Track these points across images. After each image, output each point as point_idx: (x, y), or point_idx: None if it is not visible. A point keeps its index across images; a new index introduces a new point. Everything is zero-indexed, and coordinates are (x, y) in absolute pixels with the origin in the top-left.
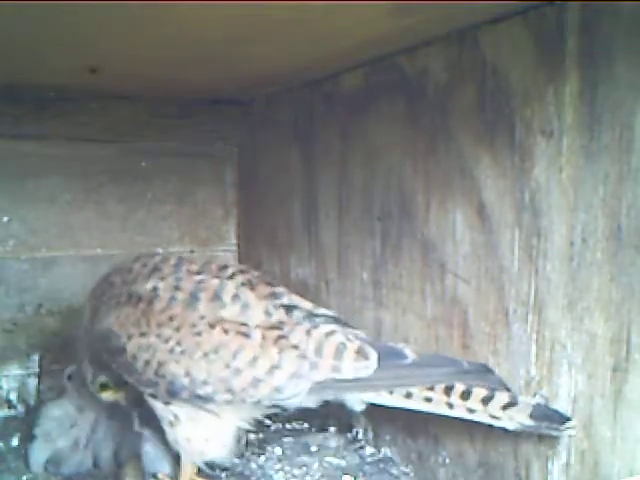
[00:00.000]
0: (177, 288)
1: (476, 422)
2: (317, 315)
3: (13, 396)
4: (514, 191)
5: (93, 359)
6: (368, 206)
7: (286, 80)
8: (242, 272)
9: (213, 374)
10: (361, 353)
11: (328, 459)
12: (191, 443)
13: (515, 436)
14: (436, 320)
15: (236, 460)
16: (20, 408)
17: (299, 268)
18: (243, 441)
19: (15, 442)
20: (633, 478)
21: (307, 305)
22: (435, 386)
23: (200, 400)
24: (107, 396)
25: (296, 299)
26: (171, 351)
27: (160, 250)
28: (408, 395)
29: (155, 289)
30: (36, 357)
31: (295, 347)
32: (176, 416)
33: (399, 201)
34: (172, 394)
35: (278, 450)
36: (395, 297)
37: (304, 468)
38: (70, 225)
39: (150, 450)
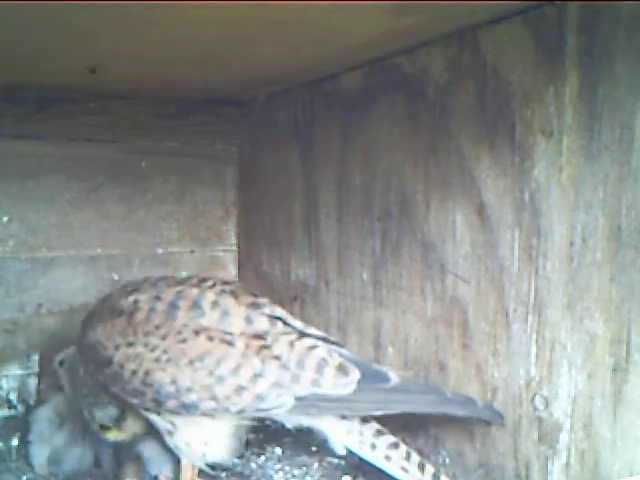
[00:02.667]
0: (157, 299)
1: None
2: (306, 335)
3: (13, 396)
4: (514, 191)
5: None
6: (368, 206)
7: (286, 80)
8: (224, 283)
9: (197, 381)
10: (341, 370)
11: (328, 459)
12: (191, 447)
13: (515, 436)
14: (436, 320)
15: (236, 460)
16: (20, 408)
17: (299, 268)
18: (243, 441)
19: (15, 442)
20: (633, 478)
21: (297, 323)
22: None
23: (185, 409)
24: (112, 436)
25: (281, 312)
26: (157, 360)
27: (160, 250)
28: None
29: (136, 302)
30: (36, 357)
31: (277, 358)
32: (173, 424)
33: (399, 201)
34: (158, 403)
35: (278, 450)
36: (395, 297)
37: (304, 468)
38: (70, 225)
39: (151, 454)
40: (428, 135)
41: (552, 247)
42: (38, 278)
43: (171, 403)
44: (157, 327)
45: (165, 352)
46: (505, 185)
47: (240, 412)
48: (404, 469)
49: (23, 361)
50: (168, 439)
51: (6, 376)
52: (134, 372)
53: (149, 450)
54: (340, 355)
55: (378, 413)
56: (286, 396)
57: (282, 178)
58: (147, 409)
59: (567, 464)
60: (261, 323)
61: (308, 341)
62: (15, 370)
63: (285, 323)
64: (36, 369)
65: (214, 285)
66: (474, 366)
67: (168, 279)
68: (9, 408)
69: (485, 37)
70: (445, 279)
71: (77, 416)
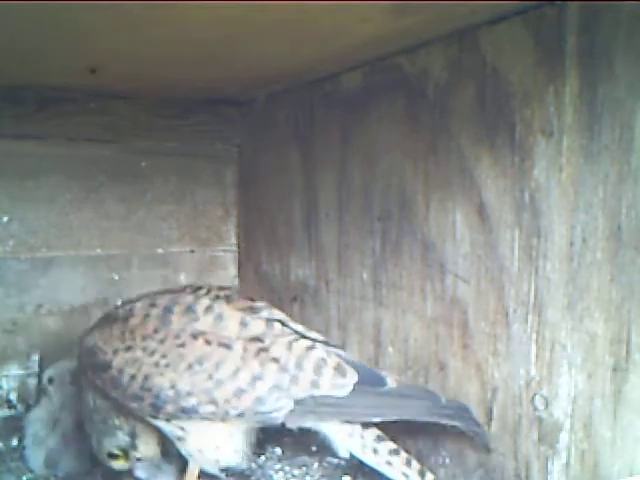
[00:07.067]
0: (152, 305)
1: None
2: (305, 337)
3: (13, 396)
4: (514, 191)
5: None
6: (368, 206)
7: (286, 80)
8: (220, 289)
9: (197, 385)
10: (339, 370)
11: (328, 459)
12: (204, 453)
13: (515, 436)
14: (436, 320)
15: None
16: (20, 408)
17: (299, 268)
18: (254, 444)
19: (15, 442)
20: (633, 478)
21: (298, 327)
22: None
23: (185, 413)
24: (119, 465)
25: (280, 315)
26: (156, 364)
27: (160, 250)
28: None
29: (131, 309)
30: (36, 357)
31: (276, 360)
32: (183, 429)
33: (399, 201)
34: (157, 408)
35: (278, 450)
36: (395, 297)
37: (304, 468)
38: (70, 225)
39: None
40: (428, 135)
41: (552, 247)
42: (38, 278)
43: (170, 407)
44: (155, 331)
45: (164, 356)
46: (505, 185)
47: (240, 416)
48: (405, 474)
49: (23, 361)
50: (180, 446)
51: (6, 376)
52: (133, 377)
53: (142, 470)
54: (338, 357)
55: (376, 419)
56: (285, 399)
57: (282, 178)
58: (152, 416)
59: (567, 464)
60: (257, 326)
61: (305, 342)
62: (15, 370)
63: (284, 325)
64: (36, 369)
65: (209, 292)
66: (474, 366)
67: (163, 292)
68: (9, 408)
69: (485, 37)
70: (445, 279)
71: (69, 417)
